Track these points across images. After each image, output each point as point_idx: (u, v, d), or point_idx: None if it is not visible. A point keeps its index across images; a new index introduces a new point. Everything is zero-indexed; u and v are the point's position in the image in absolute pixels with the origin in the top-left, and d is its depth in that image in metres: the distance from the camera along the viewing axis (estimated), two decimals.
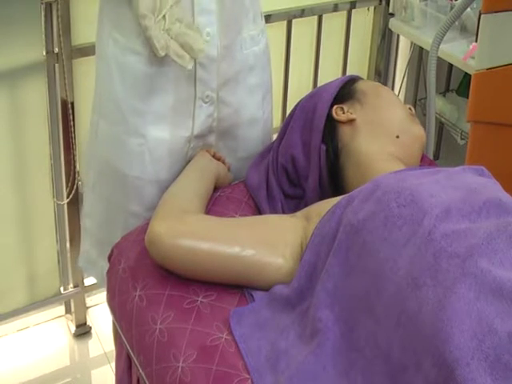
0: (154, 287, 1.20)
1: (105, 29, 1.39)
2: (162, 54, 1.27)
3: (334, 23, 2.33)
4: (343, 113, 1.40)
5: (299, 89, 2.26)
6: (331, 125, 1.40)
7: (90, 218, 1.57)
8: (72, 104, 1.85)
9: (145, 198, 1.43)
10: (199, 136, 1.44)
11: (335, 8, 2.28)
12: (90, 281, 2.08)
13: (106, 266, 1.36)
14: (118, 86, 1.38)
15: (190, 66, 1.30)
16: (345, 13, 2.33)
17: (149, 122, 1.38)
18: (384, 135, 1.37)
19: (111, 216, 1.49)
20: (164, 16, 1.25)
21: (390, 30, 2.37)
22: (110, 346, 1.98)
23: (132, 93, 1.37)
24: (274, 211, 1.40)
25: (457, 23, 2.03)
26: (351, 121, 1.39)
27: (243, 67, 1.44)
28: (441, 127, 2.59)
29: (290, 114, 1.48)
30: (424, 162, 1.50)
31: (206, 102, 1.40)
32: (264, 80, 1.51)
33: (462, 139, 2.35)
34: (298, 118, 1.44)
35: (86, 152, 1.55)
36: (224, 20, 1.37)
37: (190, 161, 1.45)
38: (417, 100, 2.55)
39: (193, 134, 1.42)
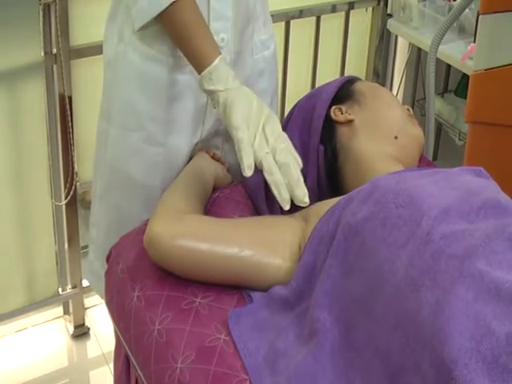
0: (153, 288, 1.20)
1: (124, 35, 1.36)
2: (249, 173, 1.15)
3: (332, 24, 2.33)
4: (341, 113, 1.40)
5: (297, 89, 2.26)
6: (329, 125, 1.40)
7: (96, 228, 1.54)
8: (70, 104, 1.85)
9: None
10: (206, 139, 1.44)
11: (333, 9, 2.29)
12: (88, 282, 2.08)
13: None
14: (137, 93, 1.36)
15: (287, 207, 1.14)
16: (343, 13, 2.33)
17: (168, 130, 1.37)
18: (382, 136, 1.37)
19: (121, 226, 1.43)
20: (255, 135, 1.17)
21: (388, 30, 2.37)
22: (108, 346, 1.98)
23: (153, 101, 1.36)
24: (272, 212, 1.39)
25: (455, 24, 2.03)
26: (349, 121, 1.39)
27: (253, 72, 1.44)
28: (439, 128, 2.59)
29: (288, 115, 1.48)
30: (422, 162, 1.50)
31: (215, 108, 1.39)
32: (272, 84, 1.51)
33: (460, 140, 2.35)
34: (297, 119, 1.44)
35: (94, 161, 1.52)
36: (238, 26, 1.36)
37: None
38: (415, 101, 2.55)
39: (201, 139, 1.43)
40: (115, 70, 1.39)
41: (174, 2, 1.22)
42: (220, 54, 1.23)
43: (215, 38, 1.31)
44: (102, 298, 1.53)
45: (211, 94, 1.22)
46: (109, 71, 1.42)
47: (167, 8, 1.22)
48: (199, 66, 1.23)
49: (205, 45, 1.24)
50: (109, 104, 1.42)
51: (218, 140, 1.47)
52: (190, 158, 1.44)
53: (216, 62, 1.21)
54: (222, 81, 1.21)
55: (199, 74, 1.23)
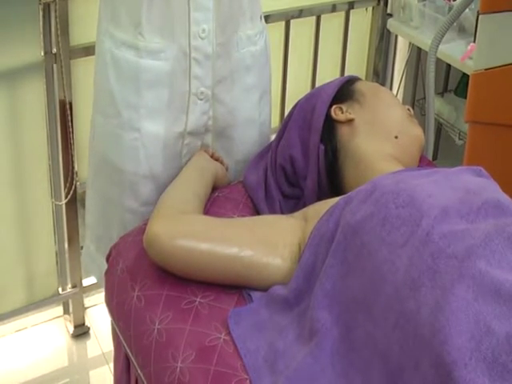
0: (153, 288, 1.20)
1: (102, 25, 1.41)
2: None
3: (332, 24, 2.33)
4: (342, 113, 1.40)
5: (297, 89, 2.26)
6: (330, 125, 1.40)
7: (89, 213, 1.58)
8: (70, 104, 1.85)
9: (140, 193, 1.44)
10: (194, 133, 1.44)
11: (333, 8, 2.29)
12: (88, 281, 2.08)
13: (103, 262, 1.36)
14: (113, 79, 1.39)
15: None
16: (343, 13, 2.33)
17: (143, 116, 1.39)
18: (383, 136, 1.37)
19: (108, 211, 1.50)
20: None
21: (388, 30, 2.37)
22: (108, 346, 1.98)
23: (126, 86, 1.38)
24: (272, 211, 1.40)
25: (455, 24, 2.03)
26: (350, 121, 1.39)
27: (239, 66, 1.45)
28: (439, 128, 2.59)
29: (288, 114, 1.48)
30: (422, 162, 1.50)
31: (200, 99, 1.41)
32: (262, 81, 1.51)
33: (460, 139, 2.35)
34: (297, 118, 1.44)
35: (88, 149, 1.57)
36: (221, 18, 1.37)
37: (185, 158, 1.45)
38: (415, 100, 2.55)
39: (186, 130, 1.43)
40: (98, 59, 1.44)
41: None
42: None
43: (195, 28, 1.34)
44: (96, 279, 1.61)
45: None
46: (95, 61, 1.46)
47: None
48: None
49: None
50: (96, 93, 1.47)
51: (209, 137, 1.47)
52: (185, 155, 1.45)
53: None
54: None
55: None
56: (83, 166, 1.96)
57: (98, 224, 1.55)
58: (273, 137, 1.52)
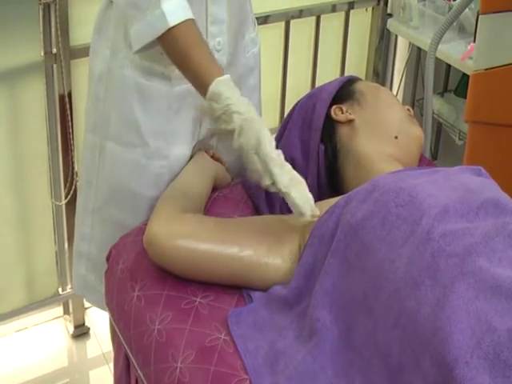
0: (153, 288, 1.20)
1: (118, 52, 1.34)
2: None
3: (332, 24, 2.34)
4: (342, 113, 1.40)
5: (297, 89, 2.26)
6: (330, 125, 1.40)
7: (88, 241, 1.51)
8: (70, 104, 1.85)
9: None
10: (202, 141, 1.44)
11: (333, 8, 2.29)
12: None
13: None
14: (139, 111, 1.34)
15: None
16: (343, 13, 2.33)
17: (171, 142, 1.36)
18: (383, 136, 1.37)
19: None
20: None
21: (388, 30, 2.37)
22: (108, 346, 1.98)
23: (155, 116, 1.34)
24: (272, 212, 1.39)
25: (455, 24, 2.03)
26: (350, 121, 1.39)
27: (246, 70, 1.45)
28: (439, 127, 2.59)
29: (288, 115, 1.48)
30: (422, 162, 1.50)
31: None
32: (259, 80, 1.53)
33: (459, 139, 2.35)
34: (297, 118, 1.44)
35: (81, 174, 1.50)
36: (232, 28, 1.37)
37: None
38: (415, 100, 2.55)
39: (198, 139, 1.42)
40: (110, 85, 1.37)
41: (171, 27, 1.19)
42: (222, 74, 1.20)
43: (211, 42, 1.31)
44: (102, 309, 1.50)
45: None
46: (99, 86, 1.39)
47: (165, 33, 1.19)
48: (202, 89, 1.19)
49: (205, 67, 1.20)
50: (103, 119, 1.39)
51: (213, 139, 1.47)
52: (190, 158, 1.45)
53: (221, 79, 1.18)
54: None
55: (204, 96, 1.19)
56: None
57: (100, 252, 1.45)
58: (272, 137, 1.52)
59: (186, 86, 1.31)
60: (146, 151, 1.36)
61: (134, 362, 1.20)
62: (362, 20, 2.41)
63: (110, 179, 1.42)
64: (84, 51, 1.83)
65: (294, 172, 1.16)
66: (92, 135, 1.43)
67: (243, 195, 1.43)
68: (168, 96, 1.33)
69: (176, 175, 1.39)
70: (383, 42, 2.44)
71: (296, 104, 1.48)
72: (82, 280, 1.56)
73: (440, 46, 1.72)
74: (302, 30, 2.27)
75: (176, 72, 1.28)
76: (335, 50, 2.39)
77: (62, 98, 1.85)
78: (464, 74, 2.33)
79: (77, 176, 1.92)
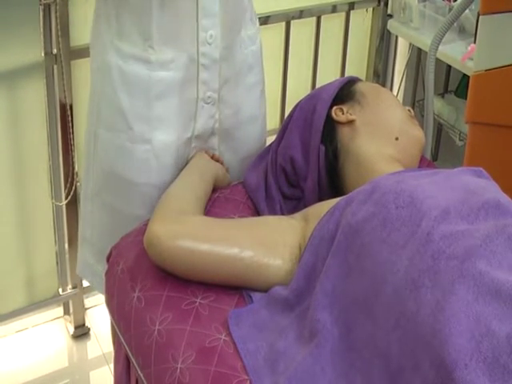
0: (153, 288, 1.20)
1: (104, 38, 1.38)
2: None
3: (332, 24, 2.33)
4: (343, 114, 1.40)
5: (298, 90, 2.26)
6: (330, 126, 1.40)
7: (90, 227, 1.55)
8: (70, 105, 1.85)
9: (151, 203, 1.41)
10: (200, 137, 1.44)
11: (334, 9, 2.29)
12: (87, 281, 2.08)
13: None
14: (122, 94, 1.37)
15: None
16: (343, 14, 2.33)
17: (154, 127, 1.38)
18: (383, 137, 1.37)
19: (116, 224, 1.47)
20: None
21: (388, 31, 2.37)
22: (108, 347, 1.98)
23: (137, 100, 1.37)
24: (272, 212, 1.40)
25: (455, 24, 2.03)
26: (350, 122, 1.39)
27: (243, 67, 1.46)
28: (439, 128, 2.59)
29: (289, 115, 1.48)
30: (422, 163, 1.50)
31: (207, 103, 1.40)
32: (261, 77, 1.53)
33: (460, 140, 2.35)
34: (297, 119, 1.44)
35: (84, 162, 1.54)
36: (226, 21, 1.37)
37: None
38: (415, 101, 2.55)
39: (193, 135, 1.43)
40: (101, 73, 1.41)
41: None
42: None
43: (204, 35, 1.34)
44: (100, 292, 1.58)
45: None
46: (95, 75, 1.43)
47: None
48: None
49: None
50: (96, 107, 1.44)
51: (214, 140, 1.47)
52: (189, 158, 1.45)
53: None
54: None
55: None
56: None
57: (101, 238, 1.52)
58: (273, 138, 1.53)
59: (167, 73, 1.34)
60: (131, 135, 1.39)
61: (134, 362, 1.20)
62: (362, 21, 2.41)
63: (102, 165, 1.47)
64: (84, 52, 1.83)
65: None
66: (89, 125, 1.48)
67: (243, 196, 1.43)
68: (148, 80, 1.35)
69: (162, 162, 1.41)
70: (383, 43, 2.43)
71: (296, 105, 1.48)
72: (84, 263, 1.61)
73: (440, 47, 1.71)
74: (302, 30, 2.27)
75: (155, 56, 1.32)
76: (335, 51, 2.38)
77: (62, 98, 1.85)
78: (464, 75, 2.33)
79: (77, 176, 1.92)
